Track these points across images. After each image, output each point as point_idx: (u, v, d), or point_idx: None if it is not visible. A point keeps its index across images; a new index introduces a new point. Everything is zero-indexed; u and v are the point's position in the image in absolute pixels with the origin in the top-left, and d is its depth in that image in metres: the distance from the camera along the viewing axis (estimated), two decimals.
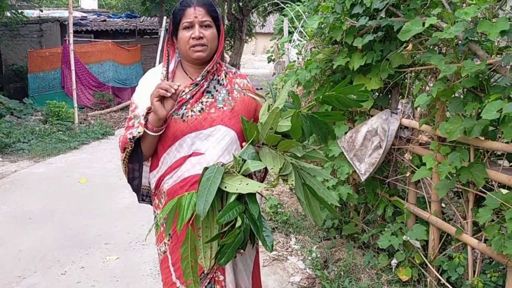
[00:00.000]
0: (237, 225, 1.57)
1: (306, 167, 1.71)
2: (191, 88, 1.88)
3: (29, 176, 6.53)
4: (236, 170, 1.67)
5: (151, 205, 2.11)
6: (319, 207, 1.73)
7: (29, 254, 3.95)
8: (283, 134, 1.69)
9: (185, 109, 1.86)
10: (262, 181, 2.04)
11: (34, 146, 8.11)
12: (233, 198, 1.61)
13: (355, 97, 1.64)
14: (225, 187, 1.62)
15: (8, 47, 12.69)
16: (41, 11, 15.16)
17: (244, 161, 1.67)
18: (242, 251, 1.68)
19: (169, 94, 1.69)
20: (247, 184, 1.60)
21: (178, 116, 1.85)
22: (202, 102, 1.88)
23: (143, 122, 1.82)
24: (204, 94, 1.90)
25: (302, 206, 1.73)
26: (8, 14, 12.26)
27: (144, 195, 2.12)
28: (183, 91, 1.87)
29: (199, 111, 1.86)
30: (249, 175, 1.70)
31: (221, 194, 1.65)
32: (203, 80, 1.89)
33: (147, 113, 1.81)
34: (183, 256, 1.64)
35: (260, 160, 1.68)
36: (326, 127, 1.71)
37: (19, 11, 12.51)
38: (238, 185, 1.61)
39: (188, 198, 1.63)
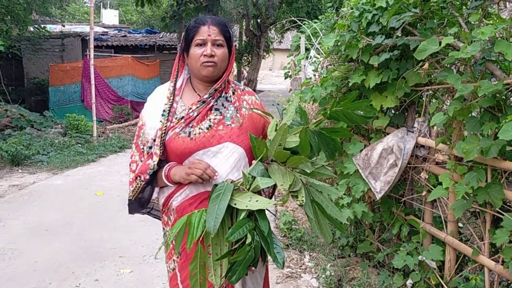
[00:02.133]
0: (247, 242, 1.57)
1: (315, 183, 1.71)
2: (198, 106, 1.89)
3: (47, 188, 6.62)
4: (245, 187, 1.67)
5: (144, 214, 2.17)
6: (328, 224, 1.73)
7: (44, 266, 3.99)
8: (291, 151, 1.69)
9: (191, 127, 1.87)
10: (270, 197, 2.05)
11: (53, 158, 8.24)
12: (243, 215, 1.61)
13: (362, 113, 1.64)
14: (235, 204, 1.63)
15: (30, 61, 13.01)
16: (63, 26, 15.52)
17: (254, 178, 1.68)
18: (253, 268, 1.67)
19: (209, 180, 1.76)
20: (257, 200, 1.61)
21: (185, 134, 1.86)
22: (210, 119, 1.89)
23: (158, 152, 1.87)
24: (212, 111, 1.91)
25: (310, 223, 1.73)
26: (31, 28, 12.58)
27: (151, 208, 2.16)
28: (190, 108, 1.89)
29: (207, 128, 1.87)
30: (258, 192, 1.70)
31: (231, 211, 1.66)
32: (210, 98, 1.90)
33: (169, 165, 1.88)
34: (192, 273, 1.64)
35: (270, 177, 1.69)
36: (334, 143, 1.71)
37: (42, 26, 12.84)
38: (248, 202, 1.61)
39: (198, 216, 1.63)
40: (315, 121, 1.71)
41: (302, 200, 1.62)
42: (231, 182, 1.74)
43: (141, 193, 1.97)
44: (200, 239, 1.62)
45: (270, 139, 1.71)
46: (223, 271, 1.63)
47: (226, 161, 1.86)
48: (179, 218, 1.71)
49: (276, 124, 1.77)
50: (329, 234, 1.73)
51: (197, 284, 1.65)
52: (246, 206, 1.61)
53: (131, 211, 2.08)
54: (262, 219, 1.62)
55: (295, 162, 1.68)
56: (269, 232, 1.62)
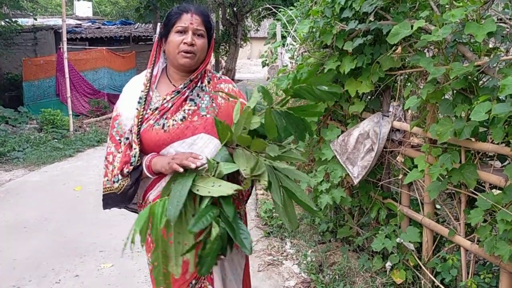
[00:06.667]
0: (213, 233, 1.51)
1: (280, 167, 1.66)
2: (172, 96, 1.86)
3: (24, 184, 6.51)
4: (210, 174, 1.62)
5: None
6: (295, 212, 1.70)
7: (23, 263, 3.93)
8: (260, 135, 1.65)
9: (165, 119, 1.83)
10: (250, 190, 2.03)
11: (29, 154, 8.09)
12: (206, 201, 1.55)
13: (326, 88, 1.58)
14: (197, 190, 1.57)
15: (3, 56, 12.66)
16: (35, 19, 15.12)
17: (218, 163, 1.64)
18: (222, 257, 1.63)
19: (193, 166, 1.62)
20: (219, 186, 1.56)
21: (159, 126, 1.82)
22: (184, 110, 1.86)
23: (136, 140, 1.81)
24: (187, 101, 1.87)
25: (277, 210, 1.68)
26: (2, 23, 12.25)
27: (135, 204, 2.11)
28: (165, 98, 1.86)
29: (181, 120, 1.83)
30: (237, 181, 1.67)
31: (197, 199, 1.60)
32: (185, 88, 1.87)
33: (150, 156, 1.83)
34: (154, 264, 1.56)
35: (234, 162, 1.64)
36: (303, 124, 1.65)
37: (13, 19, 12.48)
38: (210, 188, 1.56)
39: (161, 205, 1.57)
40: (279, 100, 1.64)
41: (265, 184, 1.58)
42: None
43: (128, 190, 1.88)
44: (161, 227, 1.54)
45: (235, 122, 1.67)
46: (190, 261, 1.56)
47: (201, 152, 1.81)
48: None
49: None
50: (296, 221, 1.70)
51: (160, 274, 1.57)
52: (209, 192, 1.55)
53: (107, 206, 1.96)
54: (227, 204, 1.57)
55: (258, 146, 1.64)
56: (234, 218, 1.57)
